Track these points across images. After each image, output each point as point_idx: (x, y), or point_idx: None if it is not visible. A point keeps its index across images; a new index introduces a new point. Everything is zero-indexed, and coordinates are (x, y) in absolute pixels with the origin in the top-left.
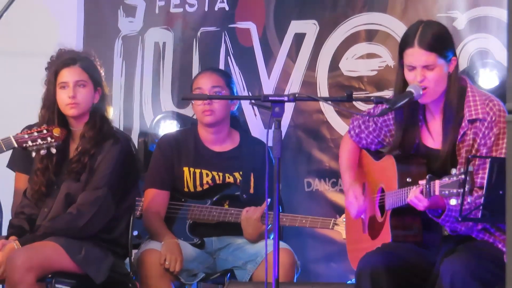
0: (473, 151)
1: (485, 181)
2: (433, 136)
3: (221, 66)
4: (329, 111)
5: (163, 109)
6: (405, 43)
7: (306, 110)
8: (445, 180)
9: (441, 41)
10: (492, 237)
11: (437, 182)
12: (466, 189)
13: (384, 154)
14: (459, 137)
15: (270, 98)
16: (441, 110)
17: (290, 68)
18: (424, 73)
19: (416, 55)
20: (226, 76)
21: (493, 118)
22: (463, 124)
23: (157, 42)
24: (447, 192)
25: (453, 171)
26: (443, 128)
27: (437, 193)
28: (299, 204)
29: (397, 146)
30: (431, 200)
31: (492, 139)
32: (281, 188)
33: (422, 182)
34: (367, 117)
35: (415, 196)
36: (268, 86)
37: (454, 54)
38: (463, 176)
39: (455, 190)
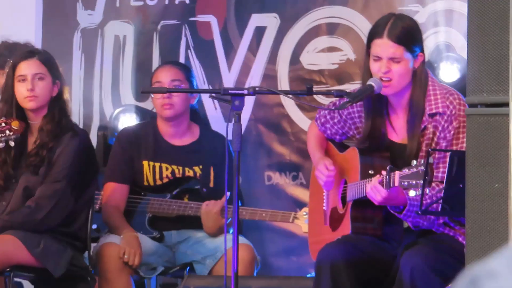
0: (433, 145)
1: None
2: (396, 131)
3: (181, 59)
4: (289, 105)
5: (122, 102)
6: (374, 33)
7: (266, 104)
8: (405, 171)
9: (410, 35)
10: (452, 230)
11: (397, 173)
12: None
13: (348, 146)
14: (420, 130)
15: (230, 91)
16: (404, 107)
17: (251, 61)
18: (390, 65)
19: (384, 46)
20: (186, 69)
21: (453, 112)
22: (423, 118)
23: (117, 35)
24: (406, 183)
25: (414, 162)
26: (409, 124)
27: (396, 184)
28: (259, 197)
29: (366, 137)
30: (391, 191)
31: (452, 132)
32: (241, 182)
33: (384, 173)
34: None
35: (374, 186)
36: (229, 79)
37: (422, 50)
38: (423, 168)
39: (414, 182)
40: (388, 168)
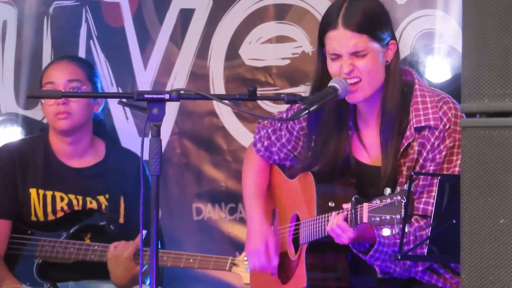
0: (417, 168)
1: (430, 207)
2: (367, 149)
3: (82, 53)
4: (225, 114)
5: (2, 110)
6: (325, 24)
7: (195, 112)
8: (376, 202)
9: (374, 18)
10: (441, 279)
11: (365, 205)
12: (403, 214)
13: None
14: (401, 150)
15: (146, 96)
16: (377, 115)
17: (174, 55)
18: (353, 62)
19: (341, 39)
20: (88, 66)
21: (447, 126)
22: (407, 133)
23: None
24: (378, 219)
25: (387, 190)
26: (382, 139)
27: (365, 220)
28: (186, 237)
29: (317, 159)
30: (358, 229)
31: (444, 153)
32: (161, 217)
33: (347, 206)
34: (278, 125)
35: (338, 225)
36: (145, 79)
37: (393, 37)
38: (399, 198)
39: (388, 217)
40: (353, 199)
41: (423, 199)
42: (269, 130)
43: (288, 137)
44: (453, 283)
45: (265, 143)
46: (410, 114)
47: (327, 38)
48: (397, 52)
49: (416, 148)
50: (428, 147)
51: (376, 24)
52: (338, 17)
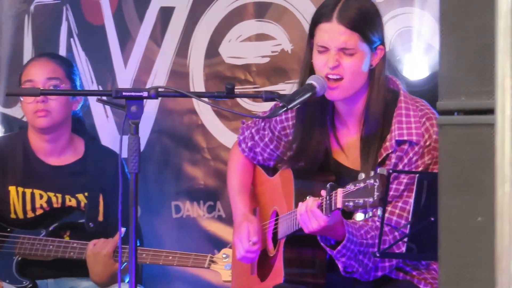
0: (390, 180)
1: (408, 204)
2: (344, 150)
3: (62, 51)
4: (205, 112)
5: None
6: (319, 16)
7: (174, 110)
8: (350, 187)
9: (368, 19)
10: (408, 276)
11: (339, 191)
12: (376, 197)
13: (280, 168)
14: (379, 160)
15: (124, 93)
16: (359, 119)
17: (154, 53)
18: (340, 58)
19: (333, 33)
20: (67, 64)
21: (428, 143)
22: (387, 143)
23: None
24: (351, 203)
25: (361, 175)
26: (363, 145)
27: (339, 205)
28: (165, 235)
29: (299, 154)
30: (332, 216)
31: (420, 169)
32: (140, 214)
33: (323, 193)
34: (262, 124)
35: (311, 210)
36: (125, 77)
37: (382, 42)
38: (372, 181)
39: (361, 200)
40: (328, 186)
41: (399, 204)
42: (253, 131)
43: (271, 136)
44: (420, 278)
45: (249, 144)
46: (392, 125)
47: (319, 29)
48: (383, 58)
49: (394, 160)
50: (405, 161)
51: (369, 25)
52: (334, 11)
